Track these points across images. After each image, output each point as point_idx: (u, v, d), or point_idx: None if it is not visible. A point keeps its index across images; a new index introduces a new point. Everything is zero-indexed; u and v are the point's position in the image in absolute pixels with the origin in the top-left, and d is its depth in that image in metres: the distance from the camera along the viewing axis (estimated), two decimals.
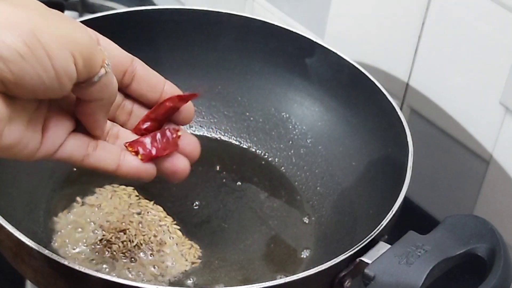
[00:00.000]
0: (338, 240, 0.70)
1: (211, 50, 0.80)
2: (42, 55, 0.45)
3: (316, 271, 0.57)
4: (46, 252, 0.55)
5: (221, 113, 0.81)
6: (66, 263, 0.55)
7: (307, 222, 0.74)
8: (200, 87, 0.81)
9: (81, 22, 0.73)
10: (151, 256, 0.67)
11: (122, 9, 0.79)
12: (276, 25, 0.79)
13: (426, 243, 0.59)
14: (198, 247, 0.69)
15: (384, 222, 0.61)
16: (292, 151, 0.79)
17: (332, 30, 0.84)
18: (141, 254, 0.67)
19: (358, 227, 0.69)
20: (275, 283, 0.56)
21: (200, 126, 0.81)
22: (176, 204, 0.72)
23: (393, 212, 0.62)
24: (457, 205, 0.78)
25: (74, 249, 0.67)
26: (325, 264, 0.58)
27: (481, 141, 0.74)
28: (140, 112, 0.56)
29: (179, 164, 0.57)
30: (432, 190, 0.80)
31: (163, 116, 0.57)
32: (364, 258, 0.59)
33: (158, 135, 0.56)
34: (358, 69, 0.75)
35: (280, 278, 0.57)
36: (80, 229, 0.69)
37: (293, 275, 0.57)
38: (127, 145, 0.55)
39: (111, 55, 0.51)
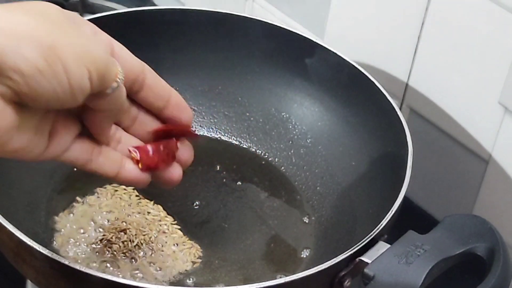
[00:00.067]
0: (338, 239, 0.70)
1: (211, 50, 0.80)
2: (60, 70, 0.46)
3: (316, 270, 0.57)
4: (47, 252, 0.56)
5: (221, 113, 0.81)
6: (67, 263, 0.55)
7: (307, 222, 0.74)
8: (200, 86, 0.81)
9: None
10: (151, 256, 0.67)
11: (122, 9, 0.79)
12: (276, 25, 0.79)
13: (425, 243, 0.59)
14: (199, 247, 0.69)
15: (384, 222, 0.61)
16: (292, 151, 0.79)
17: (332, 31, 0.84)
18: (142, 254, 0.67)
19: (358, 226, 0.69)
20: (275, 283, 0.56)
21: (200, 126, 0.81)
22: (176, 204, 0.72)
23: (393, 212, 0.62)
24: (456, 205, 0.78)
25: (75, 249, 0.67)
26: (325, 263, 0.58)
27: (480, 141, 0.74)
28: (144, 119, 0.57)
29: (174, 173, 0.58)
30: (431, 189, 0.80)
31: (164, 135, 0.58)
32: (364, 258, 0.59)
33: (161, 147, 0.57)
34: (358, 69, 0.75)
35: (280, 277, 0.57)
36: (80, 229, 0.69)
37: (293, 274, 0.57)
38: (131, 150, 0.56)
39: (123, 63, 0.51)
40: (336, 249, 0.62)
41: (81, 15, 0.97)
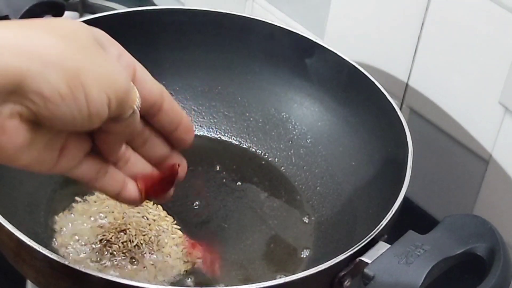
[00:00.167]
0: (338, 239, 0.70)
1: (211, 50, 0.80)
2: (81, 97, 0.46)
3: (316, 270, 0.57)
4: (46, 252, 0.56)
5: (221, 113, 0.81)
6: (66, 263, 0.55)
7: (307, 222, 0.74)
8: (200, 86, 0.81)
9: (84, 23, 0.74)
10: (151, 256, 0.67)
11: (122, 9, 0.79)
12: (276, 25, 0.79)
13: (425, 243, 0.59)
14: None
15: (384, 222, 0.61)
16: (292, 151, 0.79)
17: (332, 31, 0.84)
18: (141, 254, 0.67)
19: (358, 226, 0.69)
20: (275, 283, 0.56)
21: (200, 126, 0.81)
22: (176, 204, 0.72)
23: (393, 212, 0.62)
24: (456, 205, 0.78)
25: (74, 249, 0.67)
26: (325, 263, 0.58)
27: (480, 141, 0.74)
28: (154, 140, 0.57)
29: (170, 193, 0.59)
30: (431, 189, 0.80)
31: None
32: (364, 258, 0.59)
33: (163, 177, 0.58)
34: (358, 69, 0.75)
35: (280, 277, 0.57)
36: (80, 229, 0.69)
37: (293, 274, 0.57)
38: (137, 180, 0.57)
39: (144, 86, 0.52)
40: (336, 249, 0.62)
41: (81, 15, 0.97)
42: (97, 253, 0.66)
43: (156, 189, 0.57)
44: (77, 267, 0.55)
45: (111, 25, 0.74)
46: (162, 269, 0.67)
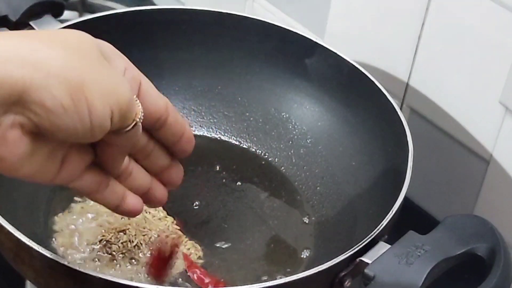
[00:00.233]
0: (338, 240, 0.70)
1: (211, 50, 0.80)
2: (84, 110, 0.46)
3: (316, 271, 0.57)
4: (46, 252, 0.55)
5: (221, 113, 0.81)
6: (66, 263, 0.55)
7: (307, 222, 0.73)
8: (200, 86, 0.81)
9: (81, 22, 0.74)
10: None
11: (122, 9, 0.79)
12: (276, 25, 0.79)
13: (426, 243, 0.59)
14: (199, 247, 0.69)
15: (384, 222, 0.61)
16: (292, 151, 0.79)
17: (332, 30, 0.84)
18: (141, 254, 0.67)
19: (358, 227, 0.69)
20: (275, 283, 0.56)
21: (200, 126, 0.81)
22: (176, 204, 0.72)
23: (393, 212, 0.62)
24: (457, 205, 0.78)
25: (74, 249, 0.67)
26: (325, 264, 0.58)
27: (481, 141, 0.74)
28: (157, 153, 0.57)
29: (162, 196, 0.59)
30: (432, 190, 0.80)
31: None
32: (364, 258, 0.59)
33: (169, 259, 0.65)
34: (358, 69, 0.75)
35: (280, 278, 0.57)
36: (80, 229, 0.68)
37: (293, 275, 0.57)
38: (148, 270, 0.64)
39: (148, 101, 0.52)
40: (336, 250, 0.62)
41: (81, 14, 0.97)
42: (96, 253, 0.66)
43: (165, 269, 0.64)
44: (77, 268, 0.54)
45: (111, 25, 0.75)
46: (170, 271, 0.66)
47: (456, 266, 0.60)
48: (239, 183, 0.76)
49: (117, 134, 0.49)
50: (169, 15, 0.79)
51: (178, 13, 0.79)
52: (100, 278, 0.54)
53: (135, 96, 0.50)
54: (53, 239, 0.68)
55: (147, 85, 0.53)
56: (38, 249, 0.56)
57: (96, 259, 0.66)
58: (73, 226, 0.69)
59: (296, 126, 0.80)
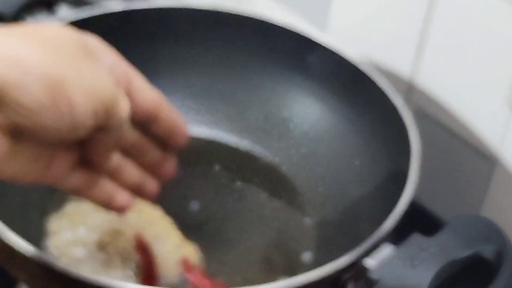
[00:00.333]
0: (341, 242, 0.69)
1: (211, 48, 0.80)
2: (65, 108, 0.45)
3: (318, 274, 0.57)
4: (40, 254, 0.55)
5: (220, 112, 0.81)
6: (60, 266, 0.54)
7: (308, 223, 0.73)
8: (199, 85, 0.80)
9: (80, 21, 0.74)
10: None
11: (119, 6, 0.79)
12: (277, 23, 0.79)
13: (431, 245, 0.59)
14: (198, 248, 0.69)
15: (388, 224, 0.61)
16: (293, 151, 0.79)
17: (334, 27, 0.84)
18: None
19: (361, 228, 0.69)
20: (275, 287, 0.56)
21: (199, 125, 0.80)
22: (175, 205, 0.72)
23: (398, 214, 0.62)
24: (463, 206, 0.78)
25: (68, 251, 0.66)
26: (327, 267, 0.57)
27: (487, 141, 0.74)
28: (150, 148, 0.57)
29: (153, 188, 0.60)
30: (437, 190, 0.80)
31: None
32: (368, 261, 0.58)
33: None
34: (361, 67, 0.75)
35: (281, 281, 0.57)
36: (75, 231, 0.68)
37: (294, 278, 0.57)
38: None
39: (139, 97, 0.52)
40: (339, 252, 0.61)
41: (75, 8, 0.96)
42: (92, 255, 0.66)
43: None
44: (72, 271, 0.54)
45: (108, 24, 0.75)
46: (161, 271, 0.66)
47: (462, 269, 0.59)
48: (239, 183, 0.76)
49: (102, 131, 0.49)
50: (167, 13, 0.79)
51: (176, 11, 0.79)
52: (95, 281, 0.54)
53: (123, 92, 0.50)
54: (47, 240, 0.67)
55: (138, 81, 0.53)
56: (31, 251, 0.55)
57: (92, 261, 0.66)
58: (67, 227, 0.68)
59: (297, 125, 0.79)
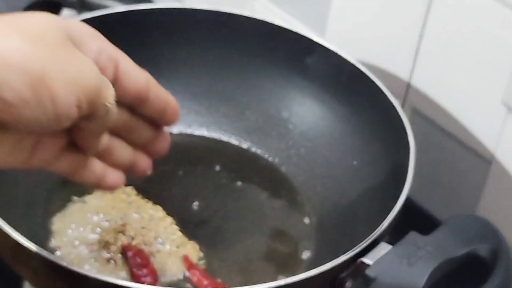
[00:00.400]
0: (339, 241, 0.69)
1: (211, 49, 0.80)
2: (46, 101, 0.44)
3: (317, 272, 0.57)
4: (44, 253, 0.55)
5: (220, 113, 0.81)
6: (64, 264, 0.55)
7: (307, 222, 0.73)
8: (199, 86, 0.81)
9: (80, 21, 0.73)
10: (150, 257, 0.67)
11: (121, 8, 0.79)
12: (276, 25, 0.79)
13: (427, 244, 0.59)
14: (198, 248, 0.69)
15: (385, 223, 0.61)
16: (292, 151, 0.79)
17: (333, 29, 0.84)
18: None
19: (359, 227, 0.69)
20: (275, 284, 0.56)
21: (200, 125, 0.80)
22: (176, 204, 0.72)
23: (395, 213, 0.62)
24: (459, 206, 0.78)
25: (72, 250, 0.66)
26: (325, 265, 0.57)
27: (483, 141, 0.74)
28: (141, 127, 0.56)
29: (145, 166, 0.59)
30: (434, 190, 0.80)
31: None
32: (365, 259, 0.58)
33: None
34: (359, 68, 0.75)
35: (281, 279, 0.57)
36: (78, 230, 0.68)
37: (293, 276, 0.57)
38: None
39: (127, 79, 0.51)
40: (337, 250, 0.61)
41: (79, 13, 0.96)
42: (95, 254, 0.66)
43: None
44: (75, 269, 0.54)
45: (109, 24, 0.75)
46: (161, 270, 0.66)
47: (458, 267, 0.60)
48: (239, 183, 0.76)
49: (88, 119, 0.48)
50: (168, 14, 0.79)
51: (177, 12, 0.79)
52: (98, 279, 0.54)
53: (107, 80, 0.49)
54: (51, 239, 0.67)
55: (126, 63, 0.52)
56: (36, 250, 0.55)
57: (95, 260, 0.66)
58: (71, 227, 0.68)
59: (296, 126, 0.79)
